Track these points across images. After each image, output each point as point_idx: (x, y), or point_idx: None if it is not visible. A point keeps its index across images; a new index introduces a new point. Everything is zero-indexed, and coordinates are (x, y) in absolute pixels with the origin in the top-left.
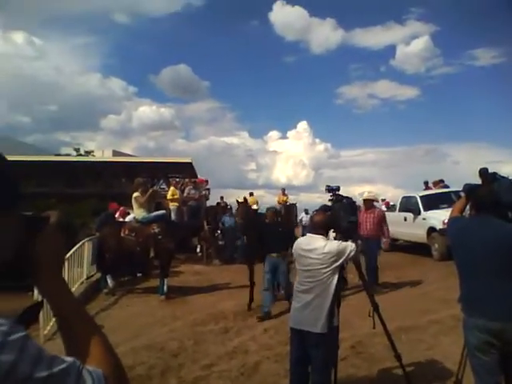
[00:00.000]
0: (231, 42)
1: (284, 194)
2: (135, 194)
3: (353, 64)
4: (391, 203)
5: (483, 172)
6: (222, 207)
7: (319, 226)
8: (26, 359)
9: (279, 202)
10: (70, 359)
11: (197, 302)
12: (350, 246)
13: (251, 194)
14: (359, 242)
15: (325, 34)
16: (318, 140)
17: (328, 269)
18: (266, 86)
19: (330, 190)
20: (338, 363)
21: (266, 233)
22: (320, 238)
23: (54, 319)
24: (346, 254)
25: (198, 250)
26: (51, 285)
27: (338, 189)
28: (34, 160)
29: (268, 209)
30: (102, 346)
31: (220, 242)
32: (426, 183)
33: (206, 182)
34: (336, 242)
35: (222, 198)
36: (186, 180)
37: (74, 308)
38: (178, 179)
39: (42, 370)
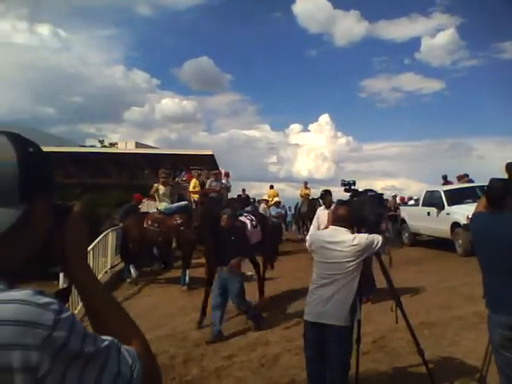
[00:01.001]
0: (254, 35)
1: (306, 188)
2: (158, 186)
3: (377, 57)
4: (414, 197)
5: (510, 167)
6: (243, 199)
7: (343, 219)
8: (76, 336)
9: (302, 196)
10: (109, 337)
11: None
12: (377, 238)
13: (271, 187)
14: (386, 234)
15: (348, 26)
16: (339, 133)
17: (354, 262)
18: (288, 79)
19: (345, 184)
20: (359, 357)
21: (220, 241)
22: (345, 231)
23: (81, 304)
24: (373, 247)
25: None
26: (79, 270)
27: (353, 183)
28: (60, 151)
29: (224, 211)
30: (130, 328)
31: None
32: (445, 177)
33: (227, 174)
34: (363, 234)
35: (243, 190)
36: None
37: (101, 292)
38: (199, 171)
39: (90, 346)
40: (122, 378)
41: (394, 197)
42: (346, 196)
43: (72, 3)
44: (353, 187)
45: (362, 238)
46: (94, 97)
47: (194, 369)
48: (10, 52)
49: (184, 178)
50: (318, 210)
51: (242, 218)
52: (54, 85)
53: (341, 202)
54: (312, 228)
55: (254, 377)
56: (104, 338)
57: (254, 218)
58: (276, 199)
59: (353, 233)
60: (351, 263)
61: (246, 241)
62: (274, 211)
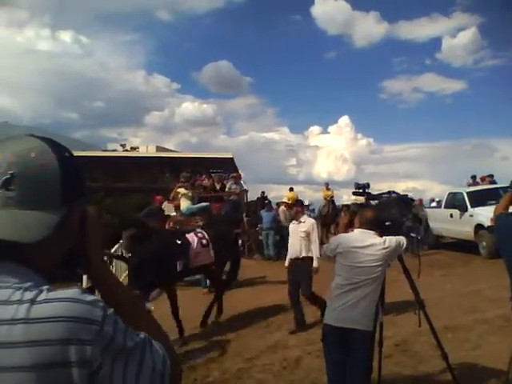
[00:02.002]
0: (273, 37)
1: (328, 189)
2: (178, 189)
3: (397, 57)
4: (436, 199)
5: None
6: (261, 202)
7: (371, 222)
8: (120, 331)
9: (325, 198)
10: (142, 332)
11: (238, 296)
12: (402, 239)
13: (291, 190)
14: (412, 234)
15: (368, 27)
16: (360, 135)
17: (383, 266)
18: (308, 81)
19: (359, 187)
20: (381, 360)
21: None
22: (373, 234)
23: None
24: (401, 249)
25: (240, 243)
26: (101, 271)
27: (367, 186)
28: (83, 155)
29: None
30: (153, 326)
31: (260, 237)
32: (474, 178)
33: (239, 177)
34: (392, 237)
35: (263, 193)
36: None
37: (124, 292)
38: (219, 174)
39: (130, 340)
40: (157, 371)
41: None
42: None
43: (93, 9)
44: (366, 190)
45: (392, 240)
46: (116, 102)
47: (216, 371)
48: (33, 59)
49: (204, 182)
50: (291, 224)
51: (188, 236)
52: (77, 90)
53: (353, 208)
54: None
55: (275, 380)
56: (138, 332)
57: (205, 235)
58: (306, 202)
59: (380, 235)
60: (380, 267)
61: (171, 264)
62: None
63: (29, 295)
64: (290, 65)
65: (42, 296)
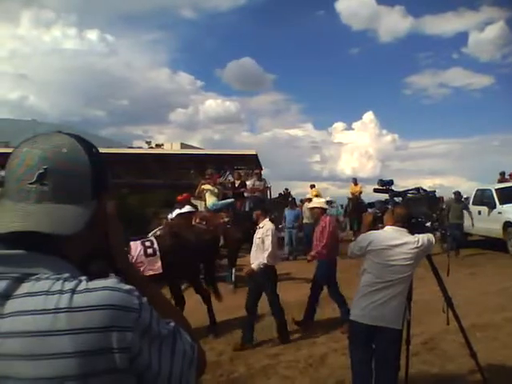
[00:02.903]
0: (296, 34)
1: (356, 184)
2: (204, 185)
3: (422, 52)
4: (464, 196)
5: None
6: (284, 199)
7: (403, 219)
8: (154, 318)
9: (353, 194)
10: (170, 321)
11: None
12: (432, 237)
13: (312, 186)
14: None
15: (393, 22)
16: (384, 131)
17: (414, 264)
18: (332, 77)
19: (383, 184)
20: (409, 359)
21: None
22: (406, 232)
23: None
24: (431, 248)
25: None
26: (126, 266)
27: (391, 183)
28: (109, 152)
29: None
30: (177, 318)
31: (282, 234)
32: (503, 174)
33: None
34: (423, 235)
35: (286, 189)
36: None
37: (148, 286)
38: (238, 171)
39: (163, 327)
40: (187, 356)
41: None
42: (378, 197)
43: (118, 9)
44: (389, 187)
45: (424, 238)
46: (141, 99)
47: (241, 366)
48: (60, 58)
49: (229, 178)
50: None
51: (133, 244)
52: (103, 88)
53: (379, 205)
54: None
55: (301, 376)
56: (168, 321)
57: (154, 243)
58: (328, 198)
59: (412, 233)
60: (412, 266)
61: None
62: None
63: (69, 285)
64: (313, 61)
65: (82, 286)
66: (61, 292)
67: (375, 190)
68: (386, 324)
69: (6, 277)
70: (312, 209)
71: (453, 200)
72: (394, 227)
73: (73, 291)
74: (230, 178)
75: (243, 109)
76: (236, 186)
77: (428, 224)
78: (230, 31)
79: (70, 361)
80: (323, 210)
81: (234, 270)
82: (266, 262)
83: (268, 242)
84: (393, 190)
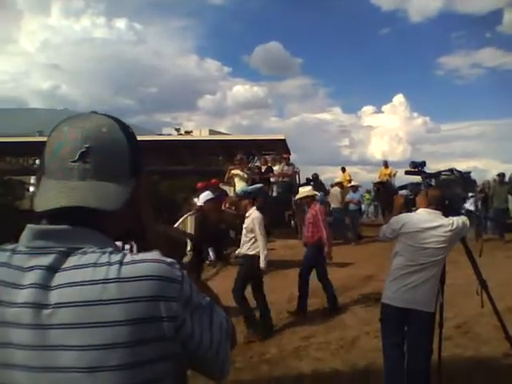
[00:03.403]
0: (324, 16)
1: (387, 167)
2: (234, 171)
3: (455, 32)
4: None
5: None
6: (313, 184)
7: (437, 201)
8: (194, 290)
9: (383, 176)
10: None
11: (294, 276)
12: (466, 220)
13: (343, 170)
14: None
15: (424, 1)
16: (415, 114)
17: (448, 247)
18: (361, 60)
19: (415, 166)
20: (442, 342)
21: None
22: (440, 214)
23: None
24: (465, 230)
25: (293, 224)
26: (156, 240)
27: (423, 164)
28: (139, 140)
29: None
30: (212, 295)
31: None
32: None
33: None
34: (458, 217)
35: (315, 174)
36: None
37: (178, 262)
38: (264, 157)
39: (202, 299)
40: (223, 327)
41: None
42: (410, 179)
43: None
44: (420, 169)
45: (458, 221)
46: (169, 87)
47: (273, 348)
48: (90, 47)
49: (257, 164)
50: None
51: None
52: (132, 77)
53: (411, 187)
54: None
55: (332, 358)
56: (203, 295)
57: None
58: (353, 183)
59: (446, 216)
60: (445, 249)
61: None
62: (350, 196)
63: (115, 258)
64: (342, 43)
65: (128, 258)
66: (109, 264)
67: (407, 173)
68: (419, 307)
69: (52, 251)
70: (302, 199)
71: (496, 183)
72: (427, 209)
73: (120, 263)
74: (258, 163)
75: (271, 94)
76: (262, 171)
77: (466, 205)
78: (256, 16)
79: (121, 329)
80: (313, 198)
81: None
82: (264, 251)
83: (257, 231)
84: (425, 172)
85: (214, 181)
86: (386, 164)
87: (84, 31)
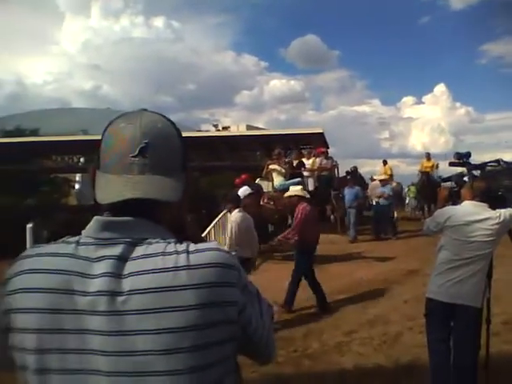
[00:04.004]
0: (361, 6)
1: (429, 159)
2: (272, 165)
3: (498, 18)
4: None
5: None
6: (352, 178)
7: (483, 193)
8: (246, 278)
9: (420, 170)
10: None
11: (333, 271)
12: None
13: (385, 163)
14: None
15: None
16: (458, 103)
17: (495, 241)
18: (400, 50)
19: (459, 157)
20: (489, 338)
21: None
22: (487, 207)
23: None
24: None
25: (332, 218)
26: (193, 233)
27: (468, 155)
28: None
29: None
30: None
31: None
32: None
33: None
34: (505, 209)
35: (354, 167)
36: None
37: None
38: (307, 150)
39: (252, 286)
40: (269, 312)
41: None
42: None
43: None
44: (465, 160)
45: (506, 214)
46: (207, 84)
47: (315, 342)
48: (129, 46)
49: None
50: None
51: None
52: (171, 75)
53: (456, 178)
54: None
55: (375, 353)
56: None
57: None
58: (381, 177)
59: (493, 208)
60: (493, 242)
61: None
62: (380, 190)
63: (181, 247)
64: (380, 34)
65: (192, 247)
66: (177, 252)
67: (451, 164)
68: (465, 302)
69: (120, 241)
70: (289, 197)
71: None
72: (473, 202)
73: (187, 251)
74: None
75: (308, 87)
76: (294, 165)
77: None
78: (292, 9)
79: (192, 313)
80: (301, 198)
81: None
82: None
83: (231, 232)
84: (470, 163)
85: (244, 176)
86: (428, 156)
87: (123, 31)
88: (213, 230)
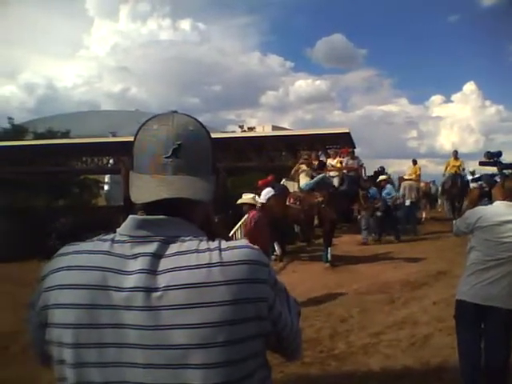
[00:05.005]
0: (388, 4)
1: (456, 158)
2: (302, 166)
3: None
4: None
5: None
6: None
7: None
8: (275, 275)
9: (451, 167)
10: None
11: (360, 271)
12: None
13: (414, 163)
14: None
15: None
16: (488, 102)
17: None
18: (428, 48)
19: (490, 156)
20: None
21: None
22: None
23: None
24: None
25: (359, 218)
26: (219, 231)
27: (499, 154)
28: None
29: None
30: None
31: (378, 214)
32: None
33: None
34: None
35: (381, 168)
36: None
37: None
38: (332, 150)
39: (282, 285)
40: (297, 308)
41: None
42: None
43: None
44: (496, 159)
45: None
46: (233, 85)
47: (341, 343)
48: (156, 49)
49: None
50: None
51: None
52: (197, 76)
53: (486, 178)
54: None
55: (403, 355)
56: None
57: None
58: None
59: None
60: None
61: None
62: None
63: (213, 244)
64: (407, 32)
65: (224, 245)
66: (209, 250)
67: (481, 163)
68: (496, 304)
69: (155, 239)
70: (242, 205)
71: None
72: (504, 202)
73: (219, 249)
74: (323, 158)
75: (334, 87)
76: (315, 167)
77: None
78: (318, 8)
79: (226, 308)
80: (252, 206)
81: (329, 250)
82: None
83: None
84: (501, 162)
85: (270, 177)
86: (455, 154)
87: (151, 34)
88: (239, 231)
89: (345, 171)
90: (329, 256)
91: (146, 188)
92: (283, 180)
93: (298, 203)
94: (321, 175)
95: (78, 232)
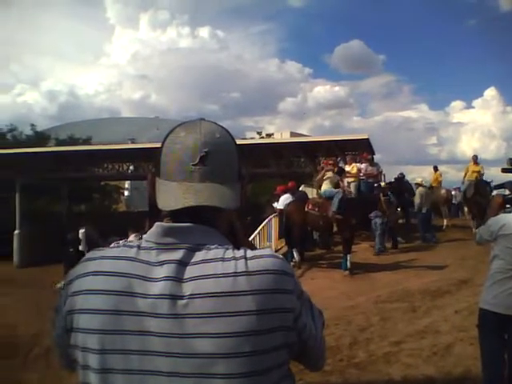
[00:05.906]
0: (405, 10)
1: (476, 163)
2: (328, 173)
3: None
4: None
5: None
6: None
7: None
8: (300, 284)
9: (471, 173)
10: None
11: (380, 279)
12: None
13: (435, 169)
14: None
15: None
16: (509, 108)
17: None
18: (447, 53)
19: None
20: None
21: None
22: None
23: None
24: None
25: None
26: (243, 238)
27: None
28: None
29: None
30: None
31: (400, 221)
32: None
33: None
34: None
35: (401, 174)
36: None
37: None
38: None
39: (305, 293)
40: (321, 317)
41: None
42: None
43: (228, 3)
44: None
45: None
46: (251, 91)
47: (361, 352)
48: (176, 56)
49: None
50: None
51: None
52: (216, 83)
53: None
54: None
55: (424, 365)
56: None
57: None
58: (433, 183)
59: None
60: None
61: None
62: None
63: (238, 253)
64: (426, 37)
65: (249, 253)
66: (235, 258)
67: (504, 170)
68: None
69: (181, 247)
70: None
71: None
72: None
73: (245, 258)
74: (342, 164)
75: (352, 93)
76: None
77: None
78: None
79: (252, 318)
80: None
81: (349, 257)
82: None
83: None
84: None
85: (291, 184)
86: (475, 159)
87: (170, 42)
88: (258, 237)
89: (363, 177)
90: (348, 263)
91: (173, 195)
92: (302, 186)
93: (317, 209)
94: (336, 191)
95: (100, 237)
